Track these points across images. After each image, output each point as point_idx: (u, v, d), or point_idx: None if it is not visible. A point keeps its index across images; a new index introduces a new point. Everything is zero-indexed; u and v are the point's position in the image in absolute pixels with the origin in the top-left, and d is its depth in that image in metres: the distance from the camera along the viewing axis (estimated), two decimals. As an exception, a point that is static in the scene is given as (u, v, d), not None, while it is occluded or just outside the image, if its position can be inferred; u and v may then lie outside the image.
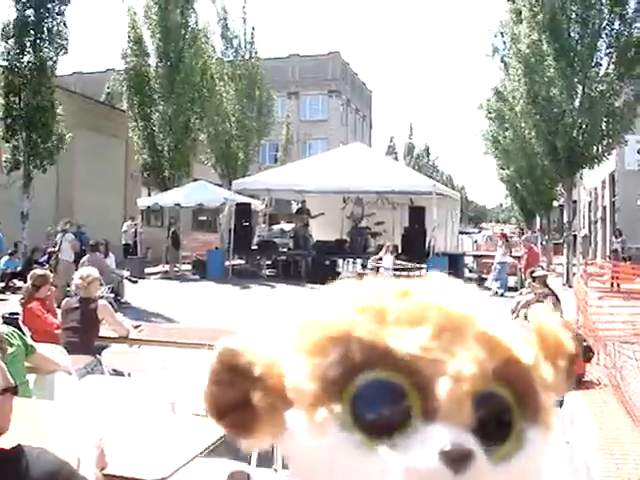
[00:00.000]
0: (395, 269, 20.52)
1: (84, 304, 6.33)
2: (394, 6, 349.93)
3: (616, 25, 19.72)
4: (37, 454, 2.19)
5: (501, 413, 0.67)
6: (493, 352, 0.68)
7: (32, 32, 17.90)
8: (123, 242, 24.82)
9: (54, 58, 18.34)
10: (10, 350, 4.53)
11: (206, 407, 0.74)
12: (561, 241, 29.22)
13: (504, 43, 23.61)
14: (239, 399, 0.71)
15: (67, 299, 6.78)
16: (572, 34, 19.90)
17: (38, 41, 18.01)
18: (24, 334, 5.08)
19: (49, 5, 18.02)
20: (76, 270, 15.24)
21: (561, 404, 7.41)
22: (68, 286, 12.35)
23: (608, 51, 20.03)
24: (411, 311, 0.68)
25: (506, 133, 30.09)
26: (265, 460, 4.94)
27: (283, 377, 0.70)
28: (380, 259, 19.78)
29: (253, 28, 32.28)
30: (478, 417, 0.65)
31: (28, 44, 17.95)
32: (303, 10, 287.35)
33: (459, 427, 0.64)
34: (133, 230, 25.58)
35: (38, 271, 7.20)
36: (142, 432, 3.58)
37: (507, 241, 20.68)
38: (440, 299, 0.71)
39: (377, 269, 20.38)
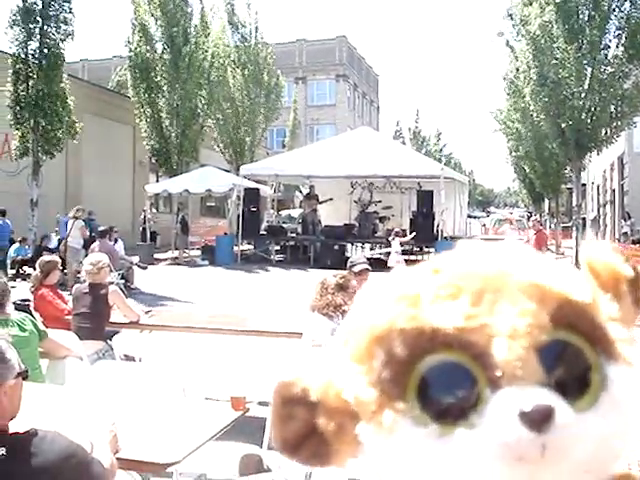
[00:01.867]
0: (403, 252, 20.51)
1: (94, 290, 6.34)
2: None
3: (626, 6, 19.59)
4: (51, 438, 2.20)
5: (573, 358, 0.64)
6: (543, 299, 0.65)
7: (38, 19, 17.87)
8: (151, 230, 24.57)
9: (61, 45, 18.29)
10: (23, 335, 4.56)
11: (277, 446, 0.72)
12: (570, 224, 29.16)
13: (513, 27, 23.37)
14: (306, 429, 0.69)
15: (77, 285, 6.80)
16: (582, 16, 19.77)
17: (45, 28, 17.98)
18: (36, 320, 5.11)
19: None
20: (85, 256, 15.36)
21: None
22: (78, 272, 12.39)
23: (617, 33, 19.90)
24: (445, 286, 0.66)
25: (516, 115, 29.89)
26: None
27: (341, 393, 0.68)
28: (389, 245, 19.73)
29: (256, 13, 32.18)
30: (549, 369, 0.62)
31: (35, 31, 17.93)
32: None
33: (530, 385, 0.61)
34: (155, 217, 25.61)
35: (46, 257, 7.20)
36: (154, 417, 3.60)
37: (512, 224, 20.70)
38: (472, 265, 0.69)
39: (387, 254, 20.37)
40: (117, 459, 2.72)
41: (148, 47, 26.10)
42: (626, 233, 24.59)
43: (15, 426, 2.21)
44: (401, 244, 19.36)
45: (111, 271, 14.74)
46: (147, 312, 7.06)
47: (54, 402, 3.61)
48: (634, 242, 22.64)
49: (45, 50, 17.95)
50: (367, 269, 7.00)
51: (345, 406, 0.67)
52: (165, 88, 25.97)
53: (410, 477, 0.64)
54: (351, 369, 0.68)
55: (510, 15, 23.03)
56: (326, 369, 0.71)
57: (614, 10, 19.63)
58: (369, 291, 0.74)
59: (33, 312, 6.16)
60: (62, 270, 13.73)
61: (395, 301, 0.68)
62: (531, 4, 20.90)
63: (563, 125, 20.34)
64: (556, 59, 19.74)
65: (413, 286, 0.69)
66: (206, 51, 26.78)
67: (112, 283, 14.30)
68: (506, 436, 0.59)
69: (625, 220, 25.79)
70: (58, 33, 18.18)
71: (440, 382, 0.62)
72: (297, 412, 0.69)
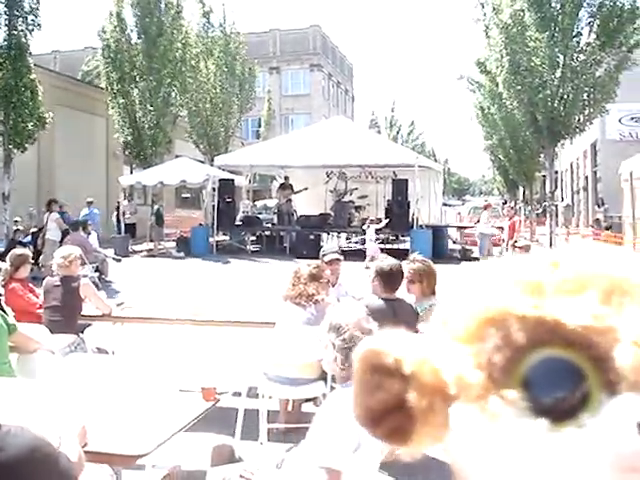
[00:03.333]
0: (379, 241, 20.57)
1: (65, 283, 6.30)
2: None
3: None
4: (15, 432, 2.17)
5: None
6: None
7: (5, 9, 17.64)
8: (126, 222, 24.37)
9: (29, 36, 18.06)
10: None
11: (356, 416, 0.69)
12: (542, 211, 29.38)
13: (484, 15, 23.47)
14: (392, 403, 0.65)
15: (48, 278, 6.75)
16: (554, 4, 19.87)
17: (11, 19, 17.74)
18: (6, 314, 5.06)
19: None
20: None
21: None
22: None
23: (589, 21, 20.04)
24: (570, 280, 0.62)
25: (487, 104, 30.06)
26: (250, 434, 4.97)
27: (439, 372, 0.64)
28: (364, 232, 19.80)
29: (223, 4, 32.13)
30: None
31: (1, 22, 17.69)
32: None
33: None
34: (134, 209, 25.41)
35: (16, 251, 7.14)
36: (125, 409, 3.58)
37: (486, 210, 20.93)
38: (595, 264, 0.64)
39: (363, 242, 20.45)
40: (87, 452, 2.70)
41: (122, 37, 25.91)
42: (598, 219, 24.83)
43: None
44: (376, 231, 19.45)
45: (84, 264, 14.68)
46: (119, 304, 7.02)
47: (21, 396, 3.57)
48: (607, 228, 22.89)
49: (13, 41, 17.72)
50: (337, 259, 7.02)
51: (440, 385, 0.64)
52: (137, 78, 25.80)
53: (506, 468, 0.60)
54: (454, 349, 0.64)
55: (482, 4, 23.13)
56: (422, 344, 0.67)
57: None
58: (475, 272, 0.70)
59: (4, 306, 6.11)
60: (36, 263, 13.68)
61: (513, 285, 0.64)
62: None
63: (536, 113, 20.47)
64: (528, 47, 19.84)
65: (533, 273, 0.65)
66: (179, 41, 26.63)
67: (85, 276, 14.22)
68: (622, 445, 0.56)
69: (599, 206, 26.06)
70: (25, 24, 17.94)
71: (553, 376, 0.59)
72: (387, 382, 0.65)
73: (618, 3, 19.49)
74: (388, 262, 5.48)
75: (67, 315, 6.12)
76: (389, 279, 5.32)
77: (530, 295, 0.62)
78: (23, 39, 17.90)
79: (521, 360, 0.60)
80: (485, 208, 21.85)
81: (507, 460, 0.60)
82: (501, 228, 21.43)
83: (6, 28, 17.70)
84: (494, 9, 22.15)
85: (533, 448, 0.58)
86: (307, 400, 5.58)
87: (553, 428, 0.58)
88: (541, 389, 0.59)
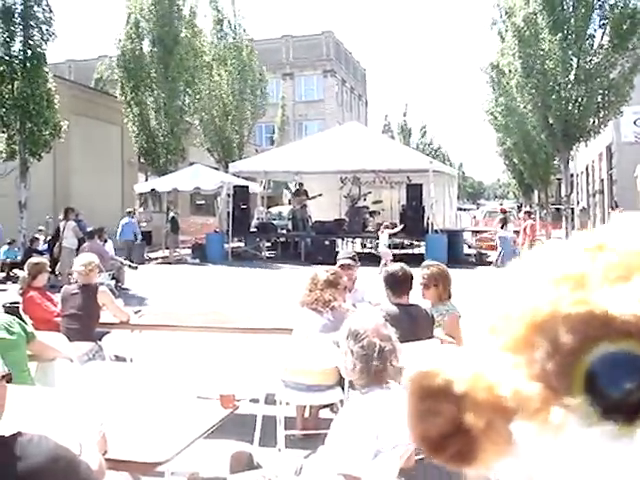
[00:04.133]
0: (394, 246, 20.53)
1: (83, 291, 6.33)
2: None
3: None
4: (37, 440, 2.19)
5: None
6: None
7: (20, 19, 17.78)
8: (141, 230, 24.57)
9: (44, 45, 18.20)
10: (10, 338, 4.54)
11: (416, 444, 0.65)
12: (559, 214, 29.22)
13: (500, 16, 23.46)
14: (449, 427, 0.61)
15: (65, 286, 6.78)
16: (566, 6, 19.81)
17: (27, 28, 17.88)
18: (25, 322, 5.09)
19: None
20: (77, 256, 15.33)
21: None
22: (71, 274, 12.34)
23: (602, 23, 19.95)
24: (616, 266, 0.58)
25: (500, 108, 29.95)
26: (268, 440, 4.97)
27: (493, 388, 0.60)
28: (378, 238, 19.74)
29: (239, 10, 32.18)
30: None
31: (17, 32, 17.82)
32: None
33: None
34: (149, 217, 25.67)
35: (33, 260, 7.17)
36: (144, 416, 3.60)
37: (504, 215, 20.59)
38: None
39: (377, 246, 20.43)
40: (107, 460, 2.71)
41: (138, 45, 26.06)
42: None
43: (0, 429, 2.21)
44: (391, 236, 19.39)
45: (101, 271, 14.74)
46: (137, 312, 7.04)
47: (42, 404, 3.60)
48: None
49: (28, 51, 17.86)
50: (354, 264, 7.01)
51: (497, 401, 0.60)
52: (153, 86, 25.95)
53: None
54: (505, 360, 0.61)
55: (498, 4, 23.12)
56: (471, 360, 0.63)
57: (598, 0, 19.69)
58: (516, 270, 0.67)
59: (22, 315, 6.15)
60: (52, 272, 13.75)
61: (555, 282, 0.60)
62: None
63: (550, 116, 20.39)
64: (541, 50, 19.78)
65: (575, 264, 0.60)
66: (194, 49, 26.75)
67: (102, 284, 14.28)
68: None
69: (613, 209, 25.88)
70: (40, 34, 18.08)
71: (612, 374, 0.55)
72: (440, 407, 0.62)
73: (631, 5, 19.41)
74: (393, 268, 5.47)
75: (85, 323, 6.15)
76: (396, 285, 5.31)
77: (574, 290, 0.58)
78: (39, 49, 18.04)
79: (577, 362, 0.57)
80: (502, 212, 21.62)
81: (573, 474, 0.57)
82: (517, 232, 21.34)
83: (22, 38, 17.83)
84: (507, 12, 22.13)
85: (604, 456, 0.55)
86: (324, 406, 5.58)
87: (624, 430, 0.54)
88: (606, 387, 0.55)
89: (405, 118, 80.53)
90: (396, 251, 19.89)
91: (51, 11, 18.29)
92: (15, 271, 16.97)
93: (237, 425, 4.04)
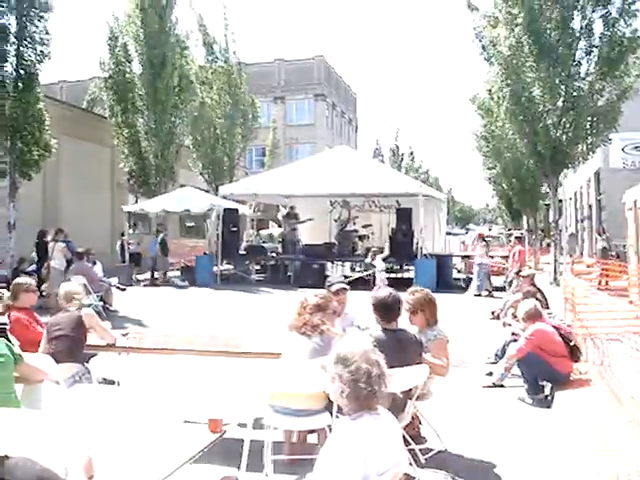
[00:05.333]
0: (387, 270, 20.53)
1: (69, 314, 6.31)
2: (375, 8, 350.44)
3: (598, 25, 19.84)
4: (23, 464, 2.17)
5: None
6: None
7: (14, 39, 17.78)
8: (130, 251, 24.65)
9: (37, 66, 18.18)
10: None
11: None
12: (548, 241, 29.32)
13: (483, 48, 23.54)
14: None
15: (50, 318, 6.74)
16: (552, 35, 19.98)
17: (21, 48, 17.88)
18: (12, 344, 5.04)
19: (31, 12, 17.87)
20: (65, 277, 15.26)
21: (550, 403, 7.44)
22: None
23: (589, 50, 20.12)
24: None
25: (489, 134, 30.14)
26: (255, 465, 4.94)
27: None
28: (372, 264, 19.73)
29: (232, 33, 32.30)
30: None
31: (11, 52, 17.81)
32: (287, 14, 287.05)
33: None
34: (138, 239, 25.77)
35: (18, 280, 7.13)
36: (131, 440, 3.57)
37: (484, 242, 20.53)
38: None
39: (366, 270, 20.44)
40: (92, 484, 2.69)
41: (126, 67, 26.15)
42: (605, 248, 24.76)
43: (-14, 453, 2.18)
44: (383, 260, 19.45)
45: (89, 293, 14.67)
46: (125, 334, 7.01)
47: (27, 427, 3.57)
48: (617, 256, 22.79)
49: (21, 71, 17.85)
50: (344, 289, 7.01)
51: None
52: (143, 109, 26.01)
53: None
54: None
55: (479, 38, 23.22)
56: None
57: (584, 28, 19.87)
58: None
59: (10, 336, 6.09)
60: (40, 293, 13.67)
61: None
62: (496, 27, 21.20)
63: (538, 143, 20.51)
64: (529, 77, 19.94)
65: None
66: (183, 72, 26.87)
67: (90, 305, 14.21)
68: None
69: (600, 235, 26.00)
70: (34, 54, 18.08)
71: None
72: None
73: (618, 32, 19.58)
74: (382, 293, 5.44)
75: (72, 345, 6.11)
76: (384, 310, 5.29)
77: None
78: (32, 69, 18.03)
79: None
80: (480, 238, 21.52)
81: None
82: (506, 257, 21.38)
83: (14, 59, 17.82)
84: (492, 42, 22.26)
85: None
86: (312, 431, 5.55)
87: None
88: None
89: (397, 142, 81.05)
90: (387, 275, 19.86)
91: (47, 32, 18.29)
92: (2, 291, 16.86)
93: (224, 450, 4.01)
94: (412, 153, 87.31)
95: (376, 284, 17.54)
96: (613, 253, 23.63)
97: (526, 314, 8.06)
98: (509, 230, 42.32)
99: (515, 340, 9.02)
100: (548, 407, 7.39)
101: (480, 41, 23.35)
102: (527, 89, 20.10)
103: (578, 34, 19.85)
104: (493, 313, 13.97)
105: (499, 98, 21.78)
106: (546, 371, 7.58)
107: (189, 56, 28.22)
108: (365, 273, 20.64)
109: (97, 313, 7.21)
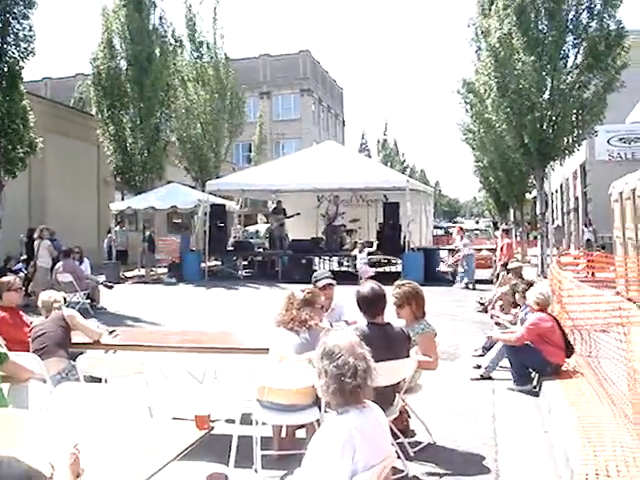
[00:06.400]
0: (372, 264, 20.55)
1: (53, 315, 6.32)
2: (361, 3, 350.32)
3: (584, 18, 19.87)
4: (7, 462, 2.16)
5: None
6: None
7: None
8: (117, 249, 24.48)
9: (21, 63, 18.01)
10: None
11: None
12: (535, 233, 29.41)
13: (476, 35, 23.71)
14: None
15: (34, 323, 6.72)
16: (540, 27, 20.04)
17: (4, 45, 17.71)
18: (-2, 343, 5.02)
19: (15, 9, 17.70)
20: (51, 275, 15.20)
21: (538, 393, 7.47)
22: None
23: (575, 42, 20.18)
24: None
25: (477, 125, 30.14)
26: (244, 461, 4.93)
27: None
28: (355, 257, 19.79)
29: (222, 27, 32.09)
30: None
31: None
32: (273, 9, 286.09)
33: None
34: (125, 237, 25.60)
35: (2, 279, 7.07)
36: (119, 437, 3.56)
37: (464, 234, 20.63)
38: None
39: (354, 265, 20.45)
40: (79, 482, 2.67)
41: (112, 64, 26.00)
42: (589, 240, 24.89)
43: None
44: (368, 254, 19.49)
45: (75, 291, 14.62)
46: (112, 332, 6.97)
47: (14, 426, 3.55)
48: (603, 247, 22.90)
49: (4, 68, 17.69)
50: (331, 284, 7.01)
51: None
52: (128, 105, 25.89)
53: None
54: None
55: (471, 25, 23.37)
56: None
57: (572, 21, 19.92)
58: None
59: (-5, 335, 6.06)
60: (26, 291, 13.60)
61: None
62: (488, 17, 21.27)
63: (524, 135, 20.56)
64: (516, 70, 19.97)
65: None
66: (169, 68, 26.75)
67: (78, 303, 14.17)
68: None
69: (586, 227, 26.13)
70: (18, 51, 17.91)
71: None
72: None
73: (605, 26, 19.64)
74: (364, 288, 5.35)
75: (56, 342, 6.09)
76: (368, 305, 5.24)
77: None
78: (16, 66, 17.86)
79: None
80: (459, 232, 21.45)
81: None
82: (493, 250, 21.44)
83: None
84: (483, 32, 22.36)
85: None
86: (301, 426, 5.55)
87: None
88: None
89: (386, 136, 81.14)
90: (373, 269, 19.89)
91: (31, 29, 18.12)
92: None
93: (213, 446, 4.00)
94: (396, 145, 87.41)
95: (359, 275, 17.64)
96: (598, 245, 23.76)
97: (539, 299, 7.88)
98: (495, 223, 42.40)
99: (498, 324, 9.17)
100: (536, 396, 7.43)
101: (476, 29, 23.52)
102: (515, 81, 20.12)
103: (565, 26, 19.88)
104: (482, 305, 14.01)
105: (485, 90, 21.80)
106: (536, 360, 7.57)
107: (175, 52, 28.09)
108: (349, 264, 20.68)
109: (84, 311, 7.17)
